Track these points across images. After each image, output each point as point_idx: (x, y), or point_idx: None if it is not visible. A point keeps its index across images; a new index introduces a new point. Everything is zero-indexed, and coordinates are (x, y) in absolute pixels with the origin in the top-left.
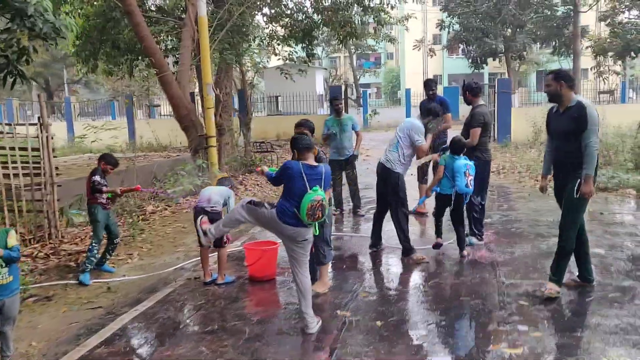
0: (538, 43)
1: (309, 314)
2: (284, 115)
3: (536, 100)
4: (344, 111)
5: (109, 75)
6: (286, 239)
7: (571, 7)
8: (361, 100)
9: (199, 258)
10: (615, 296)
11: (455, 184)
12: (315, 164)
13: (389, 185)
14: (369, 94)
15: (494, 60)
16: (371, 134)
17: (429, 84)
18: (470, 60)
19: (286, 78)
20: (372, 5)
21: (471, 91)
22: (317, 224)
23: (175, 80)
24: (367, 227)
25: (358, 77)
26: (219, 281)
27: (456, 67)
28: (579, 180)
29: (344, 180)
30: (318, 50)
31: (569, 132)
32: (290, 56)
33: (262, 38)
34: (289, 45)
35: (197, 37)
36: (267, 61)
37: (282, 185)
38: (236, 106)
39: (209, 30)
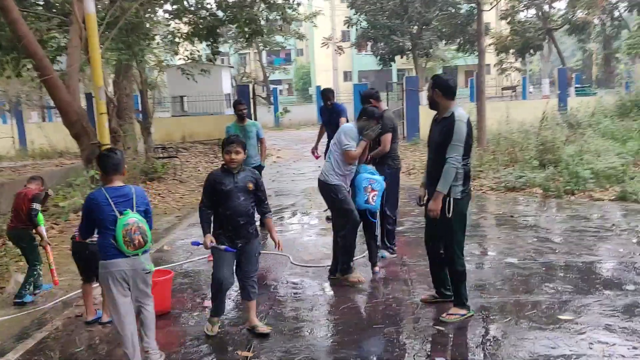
0: (444, 40)
1: (154, 349)
2: (190, 116)
3: None
4: (248, 116)
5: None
6: (123, 281)
7: (474, 6)
8: (272, 98)
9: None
10: (533, 315)
11: (355, 199)
12: (121, 184)
13: (327, 199)
14: (280, 90)
15: (401, 57)
16: (282, 132)
17: (326, 94)
18: (378, 58)
19: (188, 78)
20: (277, 2)
21: (372, 97)
22: (141, 252)
23: (62, 83)
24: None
25: (268, 74)
26: (103, 319)
27: (366, 64)
28: (447, 199)
29: None
30: (226, 47)
31: (438, 144)
32: (192, 55)
33: (163, 36)
34: (192, 43)
35: (85, 35)
36: (171, 60)
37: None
38: (139, 107)
39: (100, 28)
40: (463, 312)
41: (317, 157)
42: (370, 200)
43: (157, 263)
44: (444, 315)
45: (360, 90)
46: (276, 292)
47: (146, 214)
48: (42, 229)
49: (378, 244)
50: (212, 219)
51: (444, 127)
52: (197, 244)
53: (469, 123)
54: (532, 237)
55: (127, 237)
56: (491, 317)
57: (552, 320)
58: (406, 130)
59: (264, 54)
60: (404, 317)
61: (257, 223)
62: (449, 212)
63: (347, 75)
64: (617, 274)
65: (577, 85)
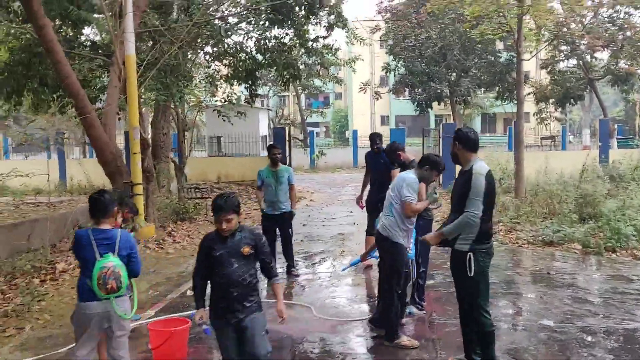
0: (482, 88)
1: None
2: (226, 157)
3: (482, 143)
4: (283, 159)
5: (36, 112)
6: (96, 325)
7: (513, 54)
8: (308, 140)
9: None
10: None
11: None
12: (109, 227)
13: (386, 255)
14: (317, 133)
15: (439, 104)
16: (317, 175)
17: (374, 138)
18: (415, 104)
19: (224, 120)
20: (315, 47)
21: (399, 149)
22: (113, 296)
23: (99, 122)
24: (304, 292)
25: (305, 116)
26: None
27: (403, 109)
28: (468, 255)
29: (278, 238)
30: (264, 90)
31: (459, 197)
32: (229, 97)
33: (202, 78)
34: (231, 85)
35: (124, 76)
36: (210, 100)
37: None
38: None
39: (139, 69)
40: None
41: (362, 207)
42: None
43: (177, 309)
44: None
45: (396, 134)
46: (296, 348)
47: (129, 258)
48: None
49: (407, 300)
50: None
51: (464, 180)
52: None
53: (489, 176)
54: (569, 298)
55: (101, 280)
56: None
57: None
58: (442, 177)
59: (302, 97)
60: None
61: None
62: (470, 271)
63: (384, 120)
64: None
65: (619, 137)
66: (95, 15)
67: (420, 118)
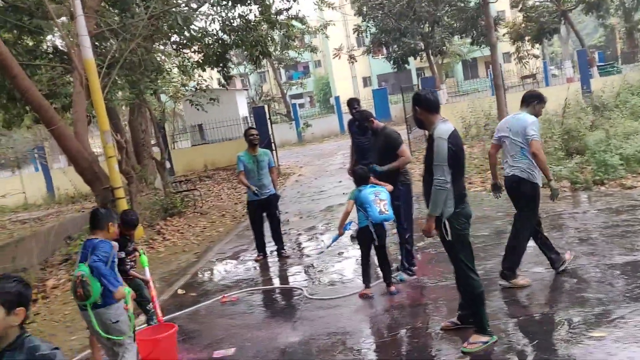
0: (456, 36)
1: None
2: (210, 144)
3: (465, 90)
4: (267, 139)
5: (9, 127)
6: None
7: None
8: (292, 113)
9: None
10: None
11: (368, 215)
12: (95, 237)
13: (521, 199)
14: (302, 104)
15: (415, 59)
16: (305, 147)
17: (351, 104)
18: (392, 62)
19: (198, 109)
20: (280, 20)
21: (371, 115)
22: (89, 304)
23: (70, 131)
24: (295, 273)
25: (286, 90)
26: None
27: (384, 68)
28: (442, 221)
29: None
30: (240, 69)
31: (427, 164)
32: (200, 85)
33: (174, 68)
34: (204, 71)
35: (85, 81)
36: (187, 89)
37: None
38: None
39: (101, 70)
40: (485, 339)
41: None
42: (383, 209)
43: (170, 310)
44: (464, 344)
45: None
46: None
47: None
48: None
49: (397, 265)
50: None
51: (430, 144)
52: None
53: (453, 138)
54: (560, 239)
55: (73, 288)
56: (517, 342)
57: (584, 338)
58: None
59: (282, 70)
60: (424, 350)
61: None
62: (447, 235)
63: (366, 81)
64: None
65: (600, 64)
66: (52, 22)
67: (401, 75)
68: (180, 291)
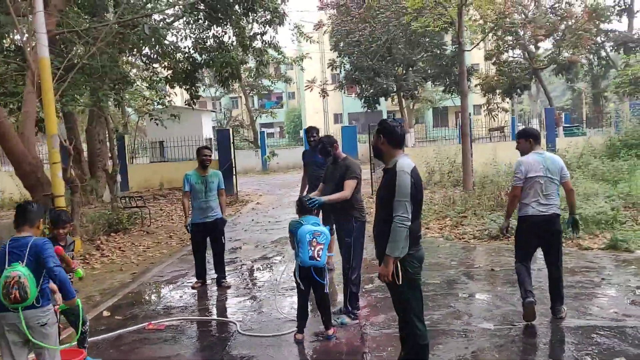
0: (429, 81)
1: None
2: (169, 162)
3: (434, 136)
4: (226, 162)
5: None
6: (10, 336)
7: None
8: (259, 141)
9: None
10: None
11: (298, 255)
12: (26, 234)
13: (560, 233)
14: (272, 134)
15: (385, 100)
16: (269, 176)
17: (310, 131)
18: (363, 100)
19: (156, 124)
20: (254, 45)
21: (335, 142)
22: (21, 307)
23: (14, 131)
24: (233, 305)
25: (255, 117)
26: None
27: (355, 106)
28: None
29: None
30: (210, 92)
31: (383, 199)
32: (161, 101)
33: (134, 81)
34: (172, 87)
35: (37, 80)
36: (154, 104)
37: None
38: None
39: (57, 72)
40: None
41: None
42: (316, 255)
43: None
44: None
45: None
46: None
47: (39, 264)
48: None
49: (339, 308)
50: None
51: (388, 179)
52: None
53: (414, 174)
54: (513, 296)
55: (5, 290)
56: None
57: None
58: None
59: (255, 98)
60: None
61: None
62: (398, 279)
63: (337, 118)
64: (609, 343)
65: (566, 125)
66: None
67: (372, 115)
68: (105, 313)
